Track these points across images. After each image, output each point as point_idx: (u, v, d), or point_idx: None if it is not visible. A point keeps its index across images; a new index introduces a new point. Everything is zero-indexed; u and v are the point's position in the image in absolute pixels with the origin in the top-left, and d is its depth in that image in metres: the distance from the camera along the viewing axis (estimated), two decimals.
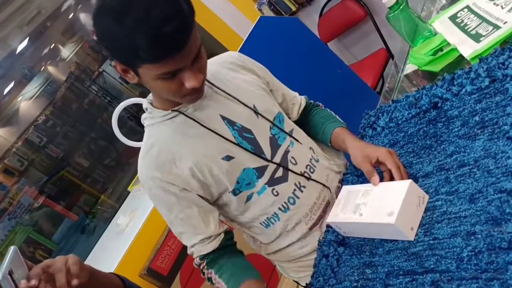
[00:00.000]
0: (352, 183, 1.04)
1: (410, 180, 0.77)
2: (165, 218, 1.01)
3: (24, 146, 6.39)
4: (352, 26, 2.87)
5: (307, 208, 1.03)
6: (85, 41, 7.20)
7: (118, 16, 0.73)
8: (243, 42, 1.80)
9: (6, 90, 6.63)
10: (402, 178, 0.83)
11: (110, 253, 2.20)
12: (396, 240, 0.78)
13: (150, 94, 1.00)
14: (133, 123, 5.80)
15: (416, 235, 0.75)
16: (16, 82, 6.83)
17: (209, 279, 1.02)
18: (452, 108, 0.87)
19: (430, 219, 0.74)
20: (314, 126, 1.15)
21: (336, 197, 0.96)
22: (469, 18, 1.07)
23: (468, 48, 0.99)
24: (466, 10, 1.12)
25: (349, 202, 0.88)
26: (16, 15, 5.66)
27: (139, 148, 1.01)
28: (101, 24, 0.77)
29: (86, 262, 0.85)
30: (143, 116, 1.00)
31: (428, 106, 0.94)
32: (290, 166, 1.02)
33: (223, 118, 0.97)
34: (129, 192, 2.75)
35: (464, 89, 0.87)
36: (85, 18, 7.15)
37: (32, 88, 7.07)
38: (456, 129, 0.82)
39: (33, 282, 0.73)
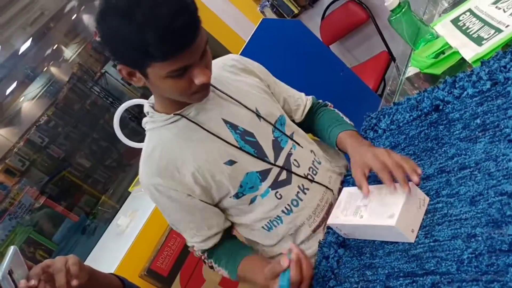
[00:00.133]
0: (353, 185, 1.03)
1: (411, 183, 0.77)
2: (167, 220, 1.03)
3: (25, 146, 6.41)
4: (354, 28, 2.87)
5: (310, 210, 1.03)
6: (88, 42, 7.23)
7: (125, 15, 0.72)
8: (245, 44, 1.80)
9: (8, 90, 6.67)
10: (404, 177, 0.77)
11: (110, 253, 2.19)
12: (396, 242, 0.78)
13: (151, 98, 1.00)
14: (134, 124, 5.81)
15: (416, 237, 0.75)
16: (19, 82, 6.86)
17: (211, 267, 1.07)
18: (454, 110, 0.87)
19: (431, 221, 0.74)
20: (321, 129, 1.13)
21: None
22: (471, 21, 1.07)
23: (470, 51, 0.99)
24: (468, 13, 1.12)
25: (350, 204, 0.88)
26: (19, 16, 5.69)
27: (141, 149, 1.00)
28: (107, 25, 0.76)
29: (87, 263, 0.85)
30: (144, 120, 1.00)
31: (429, 108, 0.94)
32: (294, 169, 1.01)
33: (226, 121, 0.96)
34: (129, 193, 2.75)
35: (465, 92, 0.87)
36: (88, 19, 7.18)
37: (35, 88, 7.09)
38: (457, 132, 0.82)
39: (33, 282, 0.73)
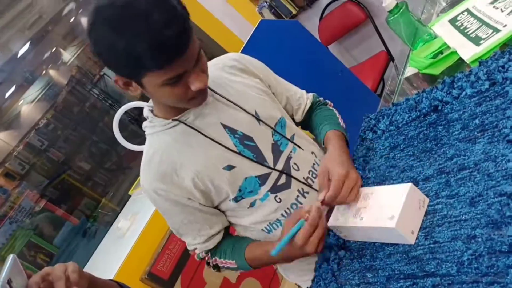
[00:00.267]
0: None
1: (411, 184, 0.77)
2: (168, 223, 1.03)
3: (25, 150, 6.40)
4: (352, 29, 2.88)
5: None
6: (86, 44, 7.21)
7: (115, 27, 0.72)
8: (243, 45, 1.80)
9: (7, 94, 6.66)
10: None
11: (111, 257, 2.19)
12: (396, 244, 0.78)
13: (151, 101, 1.00)
14: (134, 126, 5.81)
15: (416, 238, 0.75)
16: (18, 85, 6.85)
17: (215, 267, 1.06)
18: (452, 111, 0.87)
19: (431, 222, 0.74)
20: (314, 127, 1.14)
21: None
22: (469, 21, 1.07)
23: (468, 51, 0.99)
24: (466, 13, 1.12)
25: (350, 206, 0.88)
26: (17, 19, 5.68)
27: (140, 151, 1.01)
28: (98, 37, 0.75)
29: (87, 266, 0.85)
30: (144, 124, 1.00)
31: (428, 109, 0.94)
32: (293, 173, 1.01)
33: (224, 126, 0.96)
34: (130, 196, 2.75)
35: (464, 92, 0.87)
36: (86, 22, 7.17)
37: (34, 91, 7.09)
38: (456, 132, 0.82)
39: None
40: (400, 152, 0.95)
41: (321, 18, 3.01)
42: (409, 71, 1.23)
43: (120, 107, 2.05)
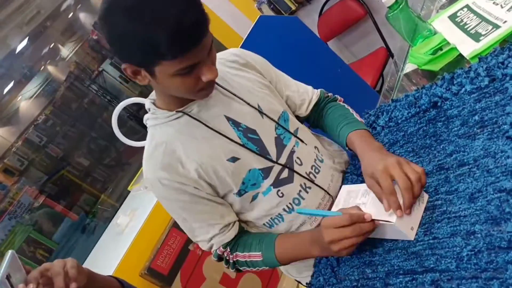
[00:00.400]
0: (352, 182, 1.04)
1: None
2: (177, 217, 1.00)
3: (24, 146, 6.39)
4: (352, 25, 2.87)
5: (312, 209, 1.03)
6: (85, 40, 7.20)
7: (133, 14, 0.71)
8: (242, 41, 1.80)
9: (6, 90, 6.65)
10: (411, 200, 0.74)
11: (110, 253, 2.20)
12: (396, 240, 0.78)
13: (152, 94, 0.99)
14: (133, 122, 5.81)
15: (416, 234, 0.75)
16: (16, 81, 6.84)
17: (234, 265, 1.02)
18: (452, 107, 0.87)
19: (430, 218, 0.75)
20: (330, 126, 1.10)
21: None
22: (468, 18, 1.07)
23: (467, 48, 0.99)
24: (465, 9, 1.12)
25: (349, 202, 0.88)
26: (15, 15, 5.66)
27: (139, 147, 1.00)
28: (114, 24, 0.74)
29: (87, 262, 0.86)
30: (146, 116, 0.99)
31: (427, 105, 0.94)
32: (296, 167, 1.01)
33: (228, 119, 0.96)
34: (129, 192, 2.75)
35: (463, 89, 0.87)
36: (84, 18, 7.16)
37: (32, 87, 7.07)
38: (455, 129, 0.82)
39: (31, 286, 0.73)
40: (399, 148, 0.95)
41: (320, 14, 3.00)
42: (409, 67, 1.23)
43: (118, 103, 2.05)
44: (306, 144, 1.05)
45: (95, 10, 6.94)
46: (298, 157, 1.01)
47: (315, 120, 1.16)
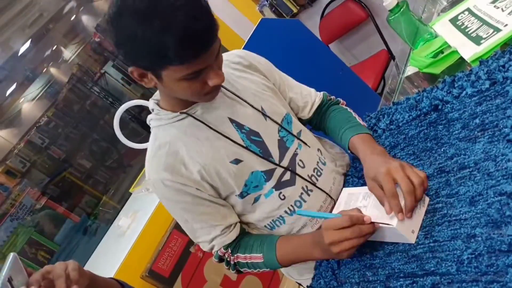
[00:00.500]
0: (353, 185, 1.04)
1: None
2: (178, 218, 0.99)
3: (26, 148, 6.42)
4: (353, 27, 2.87)
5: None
6: (87, 42, 7.23)
7: (143, 18, 0.70)
8: (244, 44, 1.81)
9: (8, 92, 6.68)
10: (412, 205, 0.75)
11: (111, 254, 2.20)
12: (396, 243, 0.78)
13: (156, 94, 0.99)
14: (135, 124, 5.82)
15: (416, 237, 0.75)
16: (18, 83, 6.87)
17: (235, 266, 1.02)
18: (453, 110, 0.87)
19: (431, 221, 0.75)
20: (332, 130, 1.10)
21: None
22: (469, 21, 1.07)
23: (468, 51, 0.99)
24: (466, 12, 1.12)
25: (350, 205, 0.88)
26: (18, 17, 5.69)
27: (141, 149, 1.00)
28: (123, 27, 0.73)
29: (88, 264, 0.86)
30: (149, 117, 0.99)
31: (428, 108, 0.94)
32: (298, 170, 1.00)
33: (232, 121, 0.96)
34: (130, 194, 2.76)
35: (464, 92, 0.87)
36: (87, 20, 7.19)
37: (34, 89, 7.11)
38: (456, 132, 0.82)
39: None
40: (400, 151, 0.95)
41: (322, 16, 3.01)
42: (410, 70, 1.23)
43: (120, 105, 2.05)
44: (309, 147, 1.05)
45: (98, 13, 6.98)
46: (300, 160, 1.01)
47: (318, 123, 1.17)
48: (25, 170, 6.15)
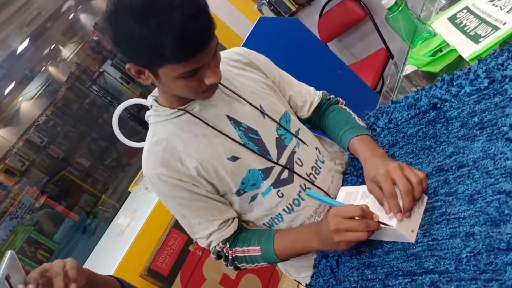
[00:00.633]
0: (352, 183, 1.04)
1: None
2: (176, 213, 0.99)
3: (25, 146, 6.41)
4: (352, 26, 2.87)
5: (311, 210, 1.03)
6: (85, 41, 7.22)
7: (140, 16, 0.71)
8: (243, 42, 1.80)
9: (7, 91, 6.66)
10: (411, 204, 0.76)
11: (111, 253, 2.20)
12: (395, 241, 0.79)
13: (155, 91, 0.99)
14: (134, 123, 5.81)
15: (416, 236, 0.75)
16: (17, 82, 6.85)
17: (233, 262, 1.01)
18: (451, 109, 0.87)
19: (429, 220, 0.75)
20: (331, 130, 1.10)
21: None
22: (468, 19, 1.07)
23: (467, 49, 0.99)
24: (465, 11, 1.12)
25: (348, 204, 0.88)
26: (16, 16, 5.67)
27: (140, 148, 1.00)
28: (120, 24, 0.73)
29: (87, 263, 0.86)
30: (148, 113, 0.99)
31: (427, 107, 0.94)
32: (296, 168, 1.01)
33: (230, 118, 0.96)
34: (129, 193, 2.76)
35: (463, 90, 0.87)
36: (85, 19, 7.18)
37: (33, 88, 7.09)
38: (455, 130, 0.82)
39: (31, 286, 0.73)
40: (399, 150, 0.95)
41: (320, 15, 3.01)
42: (409, 68, 1.23)
43: (119, 103, 2.05)
44: (307, 145, 1.05)
45: (96, 11, 6.96)
46: (298, 158, 1.02)
47: (316, 122, 1.16)
48: (24, 169, 6.15)
